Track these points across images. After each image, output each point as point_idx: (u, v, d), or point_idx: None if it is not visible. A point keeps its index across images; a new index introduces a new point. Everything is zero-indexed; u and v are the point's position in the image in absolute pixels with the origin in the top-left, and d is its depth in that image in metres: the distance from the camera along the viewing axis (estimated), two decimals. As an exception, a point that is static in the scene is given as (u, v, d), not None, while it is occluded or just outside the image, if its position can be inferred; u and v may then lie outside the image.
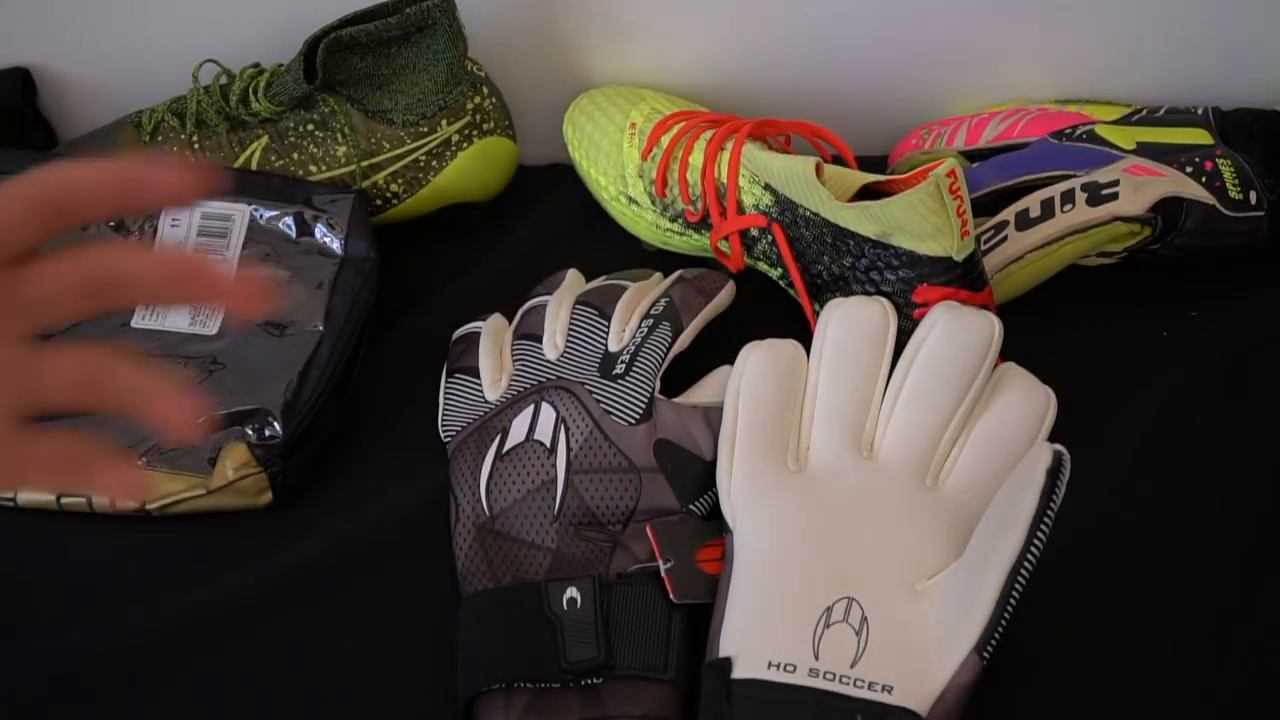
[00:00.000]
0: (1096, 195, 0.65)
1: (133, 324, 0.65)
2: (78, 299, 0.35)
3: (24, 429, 0.35)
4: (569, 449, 0.57)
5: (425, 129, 0.70)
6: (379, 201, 0.71)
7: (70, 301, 0.35)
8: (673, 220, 0.69)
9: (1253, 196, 0.66)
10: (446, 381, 0.63)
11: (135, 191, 0.35)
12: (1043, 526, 0.46)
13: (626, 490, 0.56)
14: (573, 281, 0.66)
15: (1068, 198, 0.66)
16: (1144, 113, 0.71)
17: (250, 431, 0.60)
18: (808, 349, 0.59)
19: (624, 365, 0.60)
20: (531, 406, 0.59)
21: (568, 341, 0.61)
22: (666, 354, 0.60)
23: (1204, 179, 0.65)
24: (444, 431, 0.62)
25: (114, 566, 0.59)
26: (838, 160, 0.68)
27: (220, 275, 0.36)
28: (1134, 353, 0.66)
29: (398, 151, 0.70)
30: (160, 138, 0.69)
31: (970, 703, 0.48)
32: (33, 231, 0.35)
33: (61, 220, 0.35)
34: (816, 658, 0.49)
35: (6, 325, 0.35)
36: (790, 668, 0.49)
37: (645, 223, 0.71)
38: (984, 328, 0.57)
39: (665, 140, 0.69)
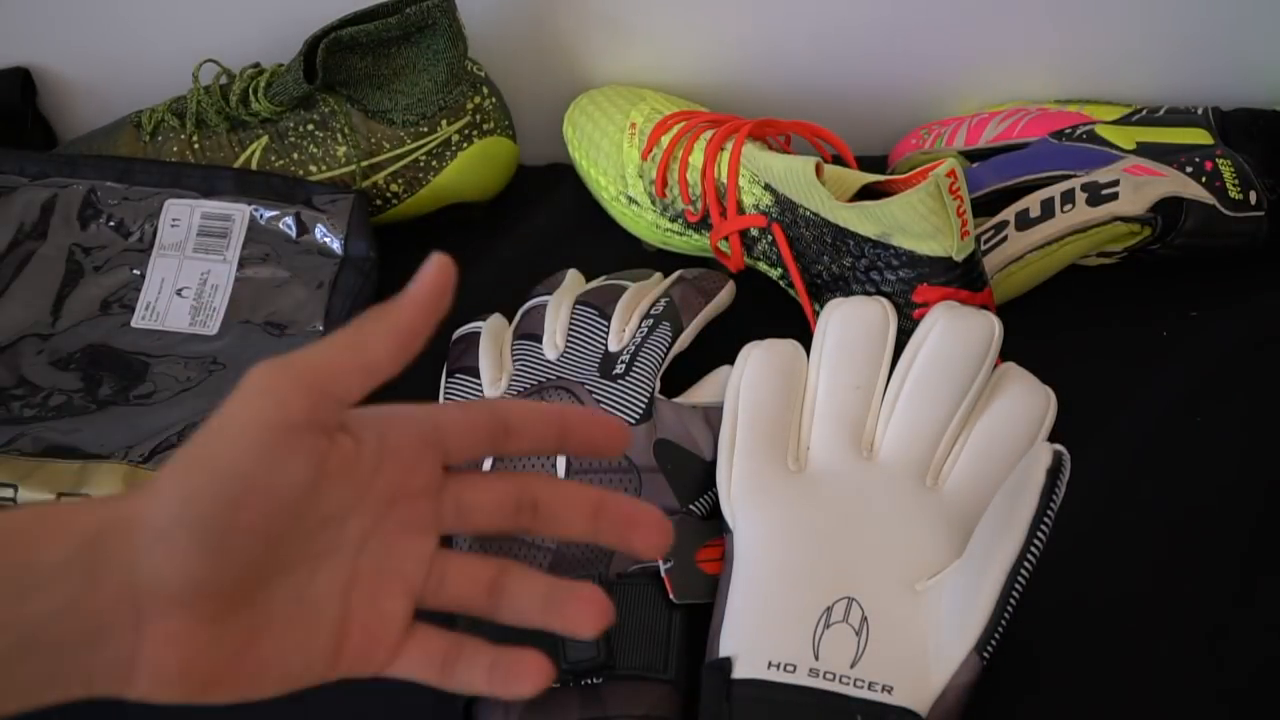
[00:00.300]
0: (1096, 195, 0.65)
1: (133, 324, 0.65)
2: (495, 515, 0.38)
3: (413, 623, 0.38)
4: (569, 449, 0.57)
5: (425, 129, 0.70)
6: (379, 201, 0.70)
7: (489, 517, 0.38)
8: (673, 220, 0.69)
9: (1253, 196, 0.66)
10: (446, 381, 0.63)
11: (577, 435, 0.38)
12: (1043, 526, 0.46)
13: (626, 490, 0.56)
14: (573, 281, 0.66)
15: (1068, 198, 0.66)
16: (1144, 113, 0.71)
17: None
18: (808, 349, 0.59)
19: (624, 365, 0.60)
20: (531, 406, 0.59)
21: (568, 341, 0.61)
22: (666, 354, 0.60)
23: (1204, 179, 0.65)
24: (444, 431, 0.61)
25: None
26: (838, 160, 0.68)
27: (643, 514, 0.38)
28: (1134, 353, 0.66)
29: (398, 151, 0.70)
30: (160, 138, 0.69)
31: (970, 703, 0.48)
32: (480, 446, 0.38)
33: (508, 442, 0.38)
34: (816, 658, 0.49)
35: (427, 520, 0.38)
36: (790, 668, 0.49)
37: (645, 223, 0.71)
38: (984, 328, 0.57)
39: (665, 140, 0.69)
